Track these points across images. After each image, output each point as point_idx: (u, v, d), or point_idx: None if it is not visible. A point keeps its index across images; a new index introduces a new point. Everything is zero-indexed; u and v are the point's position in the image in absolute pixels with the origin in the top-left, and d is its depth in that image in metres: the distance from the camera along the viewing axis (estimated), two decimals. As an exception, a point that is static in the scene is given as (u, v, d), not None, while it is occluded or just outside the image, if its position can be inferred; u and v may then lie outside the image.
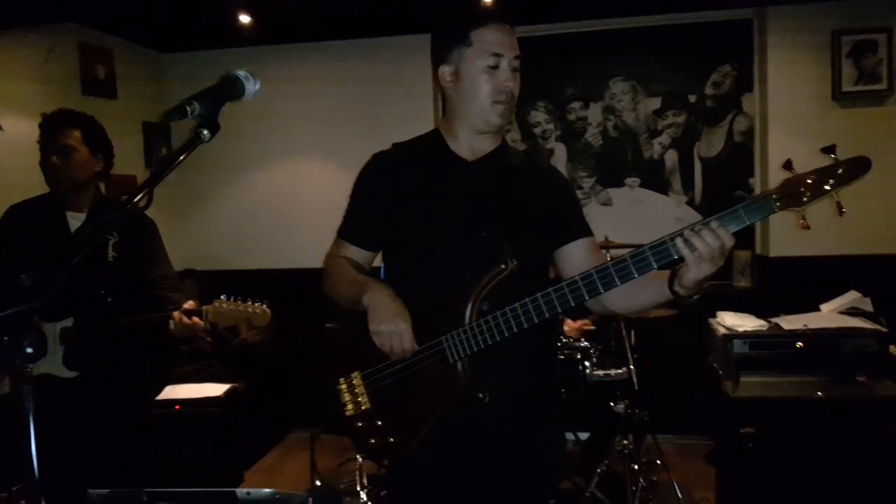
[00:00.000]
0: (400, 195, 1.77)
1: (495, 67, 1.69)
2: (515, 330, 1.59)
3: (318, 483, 3.89)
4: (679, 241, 1.45)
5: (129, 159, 4.65)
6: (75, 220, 2.56)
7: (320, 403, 2.13)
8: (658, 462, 3.71)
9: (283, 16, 4.37)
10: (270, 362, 4.83)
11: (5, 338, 0.89)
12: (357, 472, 3.67)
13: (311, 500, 0.85)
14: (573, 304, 1.57)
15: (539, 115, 4.83)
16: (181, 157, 1.23)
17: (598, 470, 3.42)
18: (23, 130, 4.16)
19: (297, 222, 5.03)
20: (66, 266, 0.99)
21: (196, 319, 2.30)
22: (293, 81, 4.96)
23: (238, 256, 5.12)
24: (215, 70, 4.98)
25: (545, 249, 1.80)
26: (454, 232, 1.72)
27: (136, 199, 1.13)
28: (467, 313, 1.63)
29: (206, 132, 1.24)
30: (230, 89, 1.31)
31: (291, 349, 4.85)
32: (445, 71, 1.75)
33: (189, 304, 2.33)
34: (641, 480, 3.44)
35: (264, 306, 2.34)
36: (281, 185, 5.11)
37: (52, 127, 2.54)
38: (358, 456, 3.76)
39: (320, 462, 3.97)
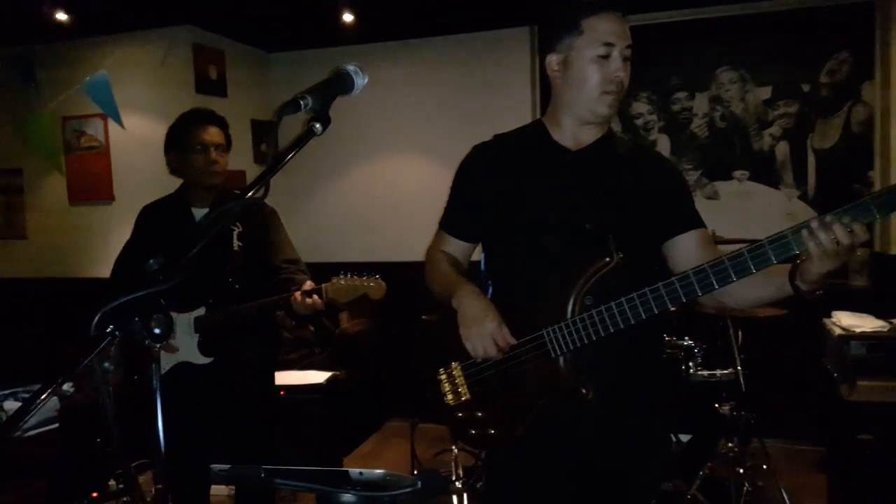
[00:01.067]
0: (501, 186, 1.76)
1: (606, 57, 1.65)
2: (621, 326, 1.55)
3: (415, 473, 3.95)
4: (804, 234, 1.37)
5: (238, 155, 4.83)
6: (200, 214, 2.67)
7: (419, 393, 2.15)
8: (765, 467, 3.55)
9: (385, 13, 4.45)
10: (370, 352, 4.94)
11: (136, 319, 0.95)
12: (453, 463, 3.71)
13: (419, 482, 0.86)
14: (684, 300, 1.51)
15: (641, 106, 4.71)
16: (295, 150, 1.27)
17: (701, 472, 3.31)
18: (141, 128, 4.44)
19: (396, 216, 5.12)
20: (191, 253, 1.05)
21: (316, 298, 2.37)
22: (393, 78, 5.04)
23: (340, 248, 5.25)
24: (319, 68, 5.19)
25: (654, 241, 1.75)
26: (557, 223, 1.69)
27: (253, 191, 1.18)
28: (570, 307, 1.60)
29: (318, 125, 1.27)
30: (341, 83, 1.34)
31: (390, 340, 4.94)
32: (553, 60, 1.72)
33: (308, 285, 2.40)
34: (746, 485, 3.31)
35: (378, 278, 2.38)
36: (381, 179, 5.21)
37: (206, 123, 2.64)
38: (454, 447, 3.79)
39: (417, 451, 4.03)
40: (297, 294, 2.39)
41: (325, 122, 1.29)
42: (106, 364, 0.94)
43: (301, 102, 1.25)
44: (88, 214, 4.67)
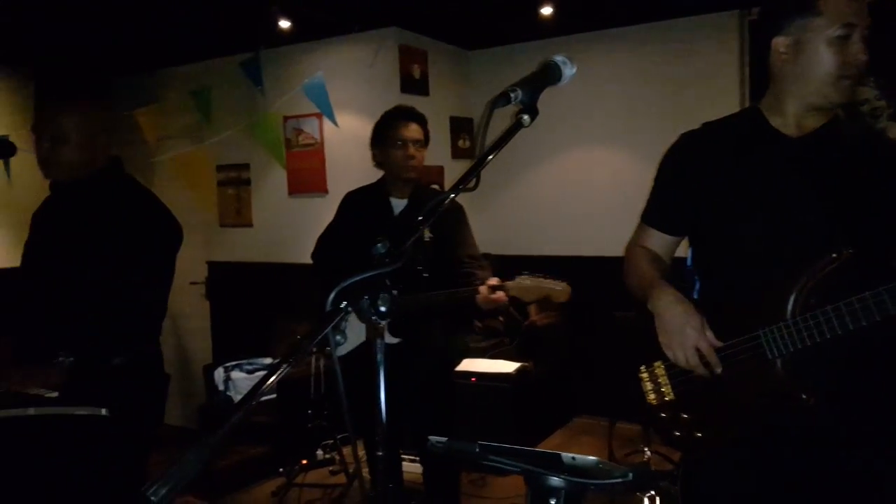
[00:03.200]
0: (711, 175, 1.68)
1: (846, 38, 1.52)
2: (850, 327, 1.42)
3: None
4: None
5: (437, 151, 5.05)
6: (398, 205, 2.87)
7: (612, 391, 2.11)
8: None
9: (584, 3, 4.40)
10: (559, 346, 4.93)
11: (366, 297, 1.04)
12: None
13: (631, 474, 0.86)
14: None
15: (867, 91, 4.25)
16: (505, 142, 1.30)
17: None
18: (352, 126, 4.75)
19: (589, 210, 5.06)
20: (412, 239, 1.12)
21: (500, 294, 2.41)
22: (590, 68, 4.96)
23: (531, 242, 5.29)
24: (516, 63, 5.18)
25: (888, 238, 1.58)
26: (776, 215, 1.59)
27: (466, 183, 1.22)
28: (790, 306, 1.50)
29: (526, 117, 1.29)
30: (549, 75, 1.36)
31: (579, 335, 4.90)
32: (780, 42, 1.60)
33: (493, 281, 2.45)
34: None
35: (565, 283, 2.37)
36: (576, 172, 5.15)
37: (406, 120, 2.83)
38: (646, 448, 3.70)
39: (607, 450, 3.97)
40: (483, 289, 2.45)
41: (534, 114, 1.31)
42: (338, 337, 1.03)
43: (511, 95, 1.28)
44: (304, 206, 5.09)
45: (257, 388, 0.97)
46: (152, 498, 0.78)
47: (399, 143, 2.79)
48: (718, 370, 1.57)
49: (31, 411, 1.81)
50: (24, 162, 4.57)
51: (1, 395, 1.90)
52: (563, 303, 2.40)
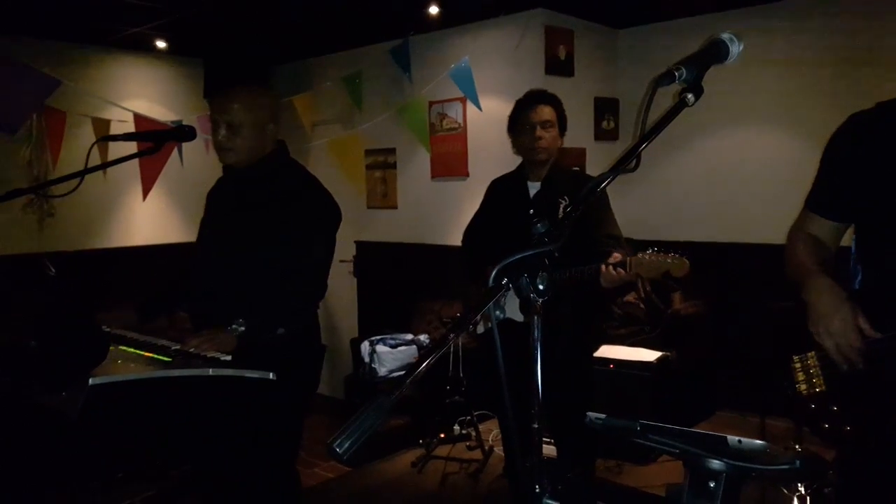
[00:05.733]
0: (883, 159, 1.58)
1: None
2: None
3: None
4: None
5: (579, 133, 5.00)
6: (533, 188, 2.93)
7: (762, 386, 2.03)
8: None
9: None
10: (703, 336, 4.76)
11: (525, 276, 1.07)
12: (796, 464, 3.43)
13: (798, 462, 0.84)
14: None
15: None
16: (667, 123, 1.28)
17: None
18: (495, 109, 4.79)
19: (741, 194, 4.82)
20: (570, 220, 1.14)
21: (621, 270, 2.43)
22: (748, 45, 4.67)
23: (675, 227, 5.11)
24: (666, 41, 4.99)
25: None
26: None
27: (626, 164, 1.22)
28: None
29: (690, 96, 1.28)
30: (715, 53, 1.33)
31: (727, 326, 4.71)
32: None
33: (615, 257, 2.46)
34: None
35: (684, 258, 2.35)
36: (728, 154, 4.91)
37: (535, 103, 2.87)
38: (797, 446, 3.51)
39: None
40: (603, 265, 2.47)
41: (698, 93, 1.29)
42: (497, 312, 1.08)
43: (675, 73, 1.26)
44: (445, 189, 5.20)
45: (425, 358, 1.03)
46: (337, 449, 0.86)
47: (527, 126, 2.85)
48: (858, 367, 1.52)
49: (210, 372, 1.99)
50: (195, 147, 4.98)
51: (184, 357, 2.11)
52: (681, 278, 2.39)
